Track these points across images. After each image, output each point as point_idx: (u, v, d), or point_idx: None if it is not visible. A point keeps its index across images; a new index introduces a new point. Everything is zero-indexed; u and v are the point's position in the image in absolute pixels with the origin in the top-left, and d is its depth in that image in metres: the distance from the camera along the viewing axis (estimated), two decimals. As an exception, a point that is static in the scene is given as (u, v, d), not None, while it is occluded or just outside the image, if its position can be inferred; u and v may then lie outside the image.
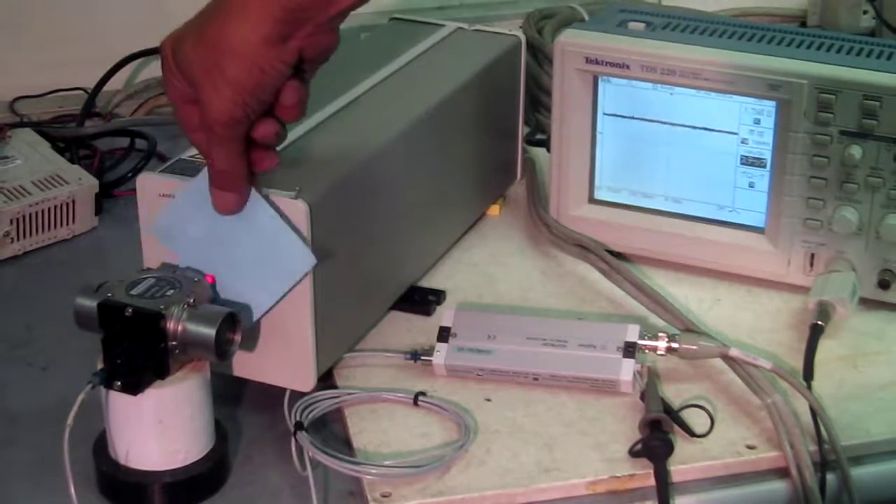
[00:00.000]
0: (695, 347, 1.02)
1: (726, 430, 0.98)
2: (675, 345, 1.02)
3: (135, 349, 0.88)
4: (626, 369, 1.00)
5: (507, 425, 0.99)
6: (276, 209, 0.93)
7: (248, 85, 0.85)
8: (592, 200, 1.21)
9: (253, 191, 0.92)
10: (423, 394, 1.00)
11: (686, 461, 0.95)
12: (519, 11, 1.56)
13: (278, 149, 0.92)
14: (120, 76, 1.49)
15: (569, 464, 0.95)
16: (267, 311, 0.95)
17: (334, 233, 0.98)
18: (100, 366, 0.88)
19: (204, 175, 0.92)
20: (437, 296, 1.13)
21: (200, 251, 0.94)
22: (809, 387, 1.00)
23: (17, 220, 1.21)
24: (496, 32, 1.26)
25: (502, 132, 1.26)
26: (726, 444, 0.97)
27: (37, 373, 1.07)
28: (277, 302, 0.94)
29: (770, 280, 1.15)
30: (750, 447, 0.96)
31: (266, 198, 0.93)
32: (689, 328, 1.05)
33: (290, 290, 0.94)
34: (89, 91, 1.46)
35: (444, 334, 1.04)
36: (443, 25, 1.27)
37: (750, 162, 1.14)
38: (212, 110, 0.86)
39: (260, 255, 0.93)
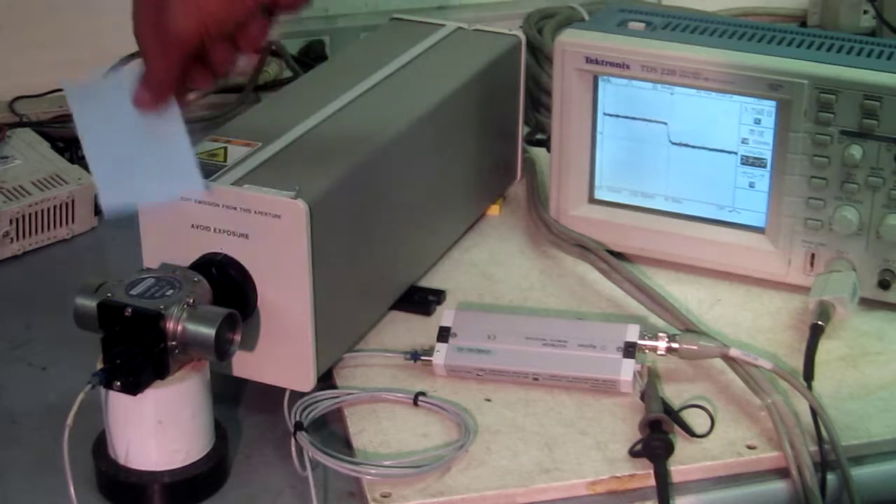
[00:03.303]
0: (695, 347, 1.02)
1: (726, 430, 0.98)
2: (675, 345, 1.02)
3: (134, 349, 0.88)
4: (626, 369, 1.00)
5: (507, 425, 0.99)
6: (186, 129, 0.94)
7: (218, 12, 0.87)
8: (592, 200, 1.21)
9: (175, 104, 0.93)
10: (423, 394, 1.00)
11: (686, 461, 0.95)
12: (519, 11, 1.56)
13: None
14: (120, 76, 1.49)
15: (569, 464, 0.95)
16: (132, 207, 0.96)
17: (334, 233, 0.98)
18: (100, 366, 0.88)
19: (135, 67, 0.93)
20: (437, 296, 1.13)
21: (102, 132, 0.95)
22: (810, 387, 1.00)
23: (17, 220, 1.21)
24: (496, 32, 1.26)
25: (502, 132, 1.26)
26: (726, 444, 0.97)
27: (37, 373, 1.07)
28: (148, 205, 0.96)
29: (770, 280, 1.15)
30: (750, 447, 0.96)
31: (181, 115, 0.94)
32: (689, 328, 1.05)
33: (164, 200, 0.95)
34: (89, 91, 1.46)
35: (444, 334, 1.04)
36: (443, 25, 1.27)
37: (750, 162, 1.14)
38: (174, 23, 0.87)
39: (155, 160, 0.94)
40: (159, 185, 0.95)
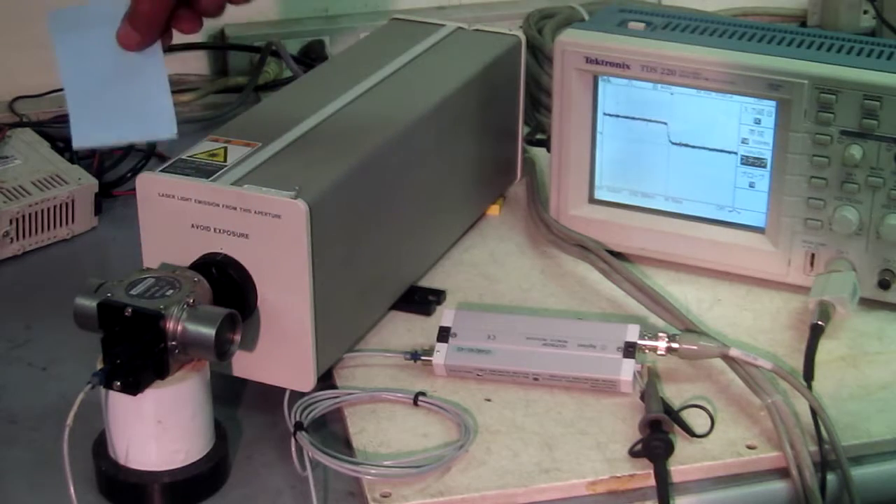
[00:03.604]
0: (695, 347, 1.02)
1: (726, 431, 0.98)
2: (675, 345, 1.02)
3: (134, 349, 0.88)
4: (626, 369, 1.00)
5: (507, 425, 0.99)
6: (165, 72, 0.94)
7: None
8: (592, 200, 1.21)
9: (158, 45, 0.94)
10: (423, 394, 1.00)
11: (686, 461, 0.95)
12: (519, 11, 1.56)
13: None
14: (120, 76, 1.49)
15: (569, 464, 0.95)
16: (102, 145, 0.98)
17: (334, 233, 0.98)
18: (100, 366, 0.88)
19: (123, 2, 0.93)
20: (437, 296, 1.13)
21: (80, 64, 0.95)
22: (810, 387, 1.00)
23: (17, 220, 1.21)
24: (496, 32, 1.26)
25: (502, 132, 1.26)
26: (726, 444, 0.97)
27: (37, 373, 1.07)
28: (117, 143, 0.97)
29: (770, 280, 1.15)
30: (750, 447, 0.96)
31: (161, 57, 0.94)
32: (689, 328, 1.05)
33: (134, 141, 0.95)
34: (89, 91, 1.46)
35: (444, 334, 1.04)
36: (443, 25, 1.27)
37: (750, 162, 1.14)
38: None
39: (132, 98, 0.95)
40: (132, 125, 0.95)
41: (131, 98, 0.95)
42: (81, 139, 0.95)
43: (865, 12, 1.66)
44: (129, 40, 0.93)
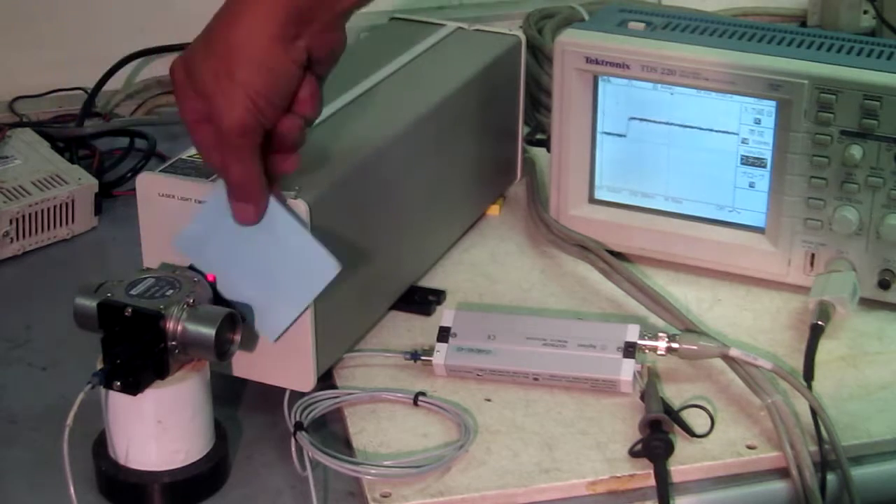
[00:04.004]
0: (695, 347, 1.01)
1: (726, 430, 0.98)
2: (675, 345, 1.02)
3: (134, 349, 0.88)
4: (626, 369, 1.00)
5: (507, 425, 0.99)
6: (297, 217, 0.92)
7: (260, 87, 0.84)
8: (592, 200, 1.21)
9: (273, 199, 0.91)
10: (423, 394, 1.00)
11: (686, 461, 0.95)
12: (519, 11, 1.56)
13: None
14: (120, 76, 1.49)
15: (569, 464, 0.95)
16: (294, 322, 0.94)
17: (334, 232, 0.97)
18: (100, 366, 0.88)
19: (221, 187, 0.91)
20: (437, 296, 1.13)
21: (226, 264, 0.94)
22: (809, 387, 1.00)
23: (17, 220, 1.21)
24: (496, 32, 1.26)
25: (502, 132, 1.26)
26: (726, 444, 0.97)
27: (37, 373, 1.07)
28: (303, 312, 0.94)
29: (770, 280, 1.15)
30: (750, 447, 0.96)
31: (288, 209, 0.92)
32: (689, 328, 1.05)
33: (314, 299, 0.93)
34: (89, 91, 1.46)
35: (444, 334, 1.04)
36: (443, 25, 1.27)
37: (750, 162, 1.14)
38: (224, 118, 0.85)
39: (284, 264, 0.93)
40: (304, 288, 0.93)
41: (286, 262, 0.92)
42: (275, 333, 0.95)
43: (865, 12, 1.66)
44: (246, 214, 0.91)
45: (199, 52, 0.86)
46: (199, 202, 0.95)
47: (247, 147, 0.86)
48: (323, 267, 0.92)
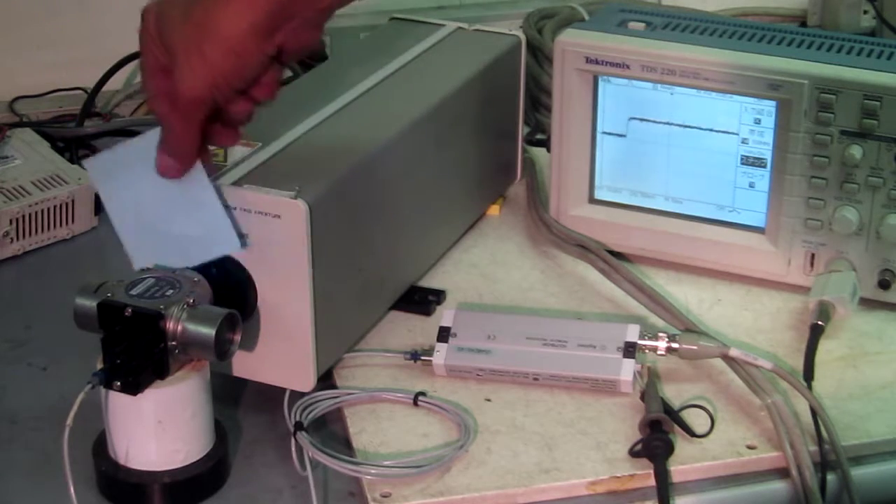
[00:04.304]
0: (695, 347, 1.01)
1: (726, 430, 0.98)
2: (675, 345, 1.02)
3: (134, 349, 0.88)
4: (626, 369, 1.00)
5: (507, 425, 0.99)
6: (216, 189, 0.94)
7: (225, 70, 0.86)
8: (592, 200, 1.21)
9: (199, 164, 0.93)
10: (423, 394, 1.00)
11: (686, 461, 0.95)
12: (519, 11, 1.56)
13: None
14: (119, 76, 1.49)
15: (569, 464, 0.95)
16: (164, 265, 0.96)
17: (334, 233, 0.98)
18: (100, 366, 0.88)
19: (155, 134, 0.92)
20: (437, 296, 1.13)
21: (127, 200, 0.95)
22: (810, 387, 1.00)
23: (17, 220, 1.21)
24: (496, 32, 1.26)
25: (502, 132, 1.26)
26: (726, 444, 0.97)
27: (37, 373, 1.07)
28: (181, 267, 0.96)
29: (770, 280, 1.15)
30: (750, 447, 0.96)
31: (210, 178, 0.94)
32: (689, 328, 1.05)
33: (200, 262, 0.95)
34: (89, 91, 1.46)
35: (444, 334, 1.04)
36: (443, 25, 1.27)
37: (750, 162, 1.14)
38: (184, 86, 0.86)
39: (186, 223, 0.94)
40: (194, 248, 0.94)
41: (187, 223, 0.94)
42: (142, 261, 0.95)
43: (865, 12, 1.66)
44: (169, 169, 0.92)
45: (176, 14, 0.87)
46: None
47: (196, 114, 0.89)
48: (225, 239, 0.94)
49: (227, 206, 0.94)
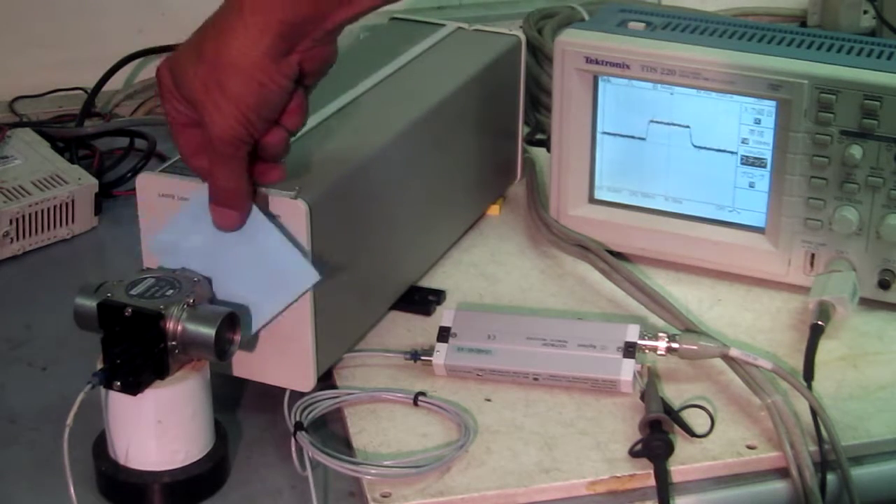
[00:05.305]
0: (695, 347, 1.02)
1: (726, 430, 0.98)
2: (675, 345, 1.02)
3: (134, 349, 0.88)
4: (626, 369, 1.00)
5: (507, 425, 0.99)
6: (278, 224, 0.93)
7: (251, 100, 0.85)
8: (592, 200, 1.21)
9: (254, 207, 0.92)
10: (423, 394, 1.00)
11: (686, 461, 0.95)
12: (519, 11, 1.56)
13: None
14: (119, 76, 1.49)
15: (569, 464, 0.95)
16: (266, 324, 0.95)
17: (334, 233, 0.98)
18: (100, 366, 0.88)
19: (204, 190, 0.92)
20: (437, 296, 1.13)
21: (201, 267, 0.94)
22: (810, 387, 1.00)
23: (17, 220, 1.21)
24: (496, 32, 1.26)
25: (502, 132, 1.26)
26: (726, 444, 0.97)
27: (37, 373, 1.07)
28: (277, 315, 0.94)
29: (770, 280, 1.15)
30: (750, 447, 0.96)
31: (267, 214, 0.93)
32: (689, 328, 1.05)
33: (289, 305, 0.94)
34: (89, 91, 1.46)
35: (444, 334, 1.04)
36: (443, 25, 1.27)
37: (750, 162, 1.14)
38: (215, 129, 0.85)
39: (261, 270, 0.93)
40: (275, 292, 0.93)
41: (262, 270, 0.93)
42: (249, 330, 0.94)
43: (865, 12, 1.66)
44: (228, 220, 0.91)
45: (188, 58, 0.86)
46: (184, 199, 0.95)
47: (235, 156, 0.88)
48: (301, 275, 0.93)
49: (293, 241, 0.93)
